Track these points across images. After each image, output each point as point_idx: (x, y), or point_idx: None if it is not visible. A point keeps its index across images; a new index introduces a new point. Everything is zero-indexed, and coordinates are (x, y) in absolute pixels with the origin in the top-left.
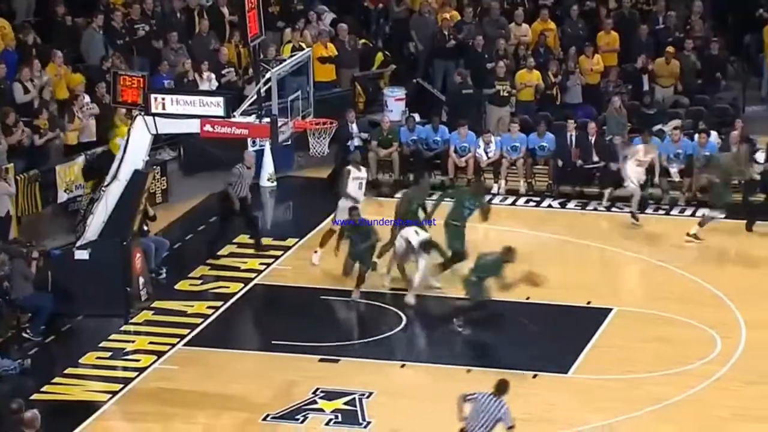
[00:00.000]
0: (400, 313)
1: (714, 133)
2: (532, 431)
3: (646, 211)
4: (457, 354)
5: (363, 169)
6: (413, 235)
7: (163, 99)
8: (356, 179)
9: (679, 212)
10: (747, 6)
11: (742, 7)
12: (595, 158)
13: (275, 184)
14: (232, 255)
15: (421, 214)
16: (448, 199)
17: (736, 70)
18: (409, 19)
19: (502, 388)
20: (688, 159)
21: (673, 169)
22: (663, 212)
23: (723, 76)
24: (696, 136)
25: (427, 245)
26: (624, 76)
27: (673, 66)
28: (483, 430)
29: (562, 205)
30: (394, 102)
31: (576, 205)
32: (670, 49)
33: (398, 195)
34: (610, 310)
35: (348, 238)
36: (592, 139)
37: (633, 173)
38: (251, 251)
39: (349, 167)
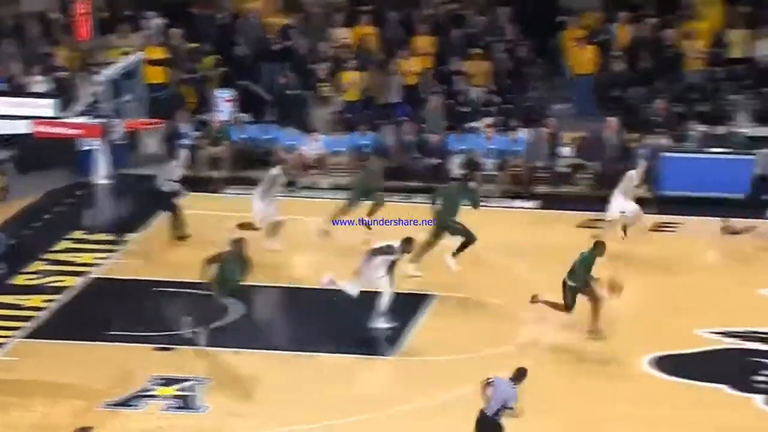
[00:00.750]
0: (236, 302)
1: (524, 130)
2: (360, 411)
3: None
4: (289, 341)
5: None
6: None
7: None
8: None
9: (493, 204)
10: (548, 13)
11: (544, 13)
12: (415, 154)
13: (110, 181)
14: (68, 250)
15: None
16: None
17: (542, 71)
18: (235, 23)
19: (519, 375)
20: (501, 154)
21: (488, 164)
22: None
23: (530, 76)
24: (508, 132)
25: (406, 242)
26: (439, 77)
27: (482, 66)
28: (493, 410)
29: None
30: (224, 103)
31: (399, 199)
32: (476, 50)
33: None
34: (433, 296)
35: (223, 264)
36: (412, 137)
37: (628, 197)
38: (87, 246)
39: (278, 170)
